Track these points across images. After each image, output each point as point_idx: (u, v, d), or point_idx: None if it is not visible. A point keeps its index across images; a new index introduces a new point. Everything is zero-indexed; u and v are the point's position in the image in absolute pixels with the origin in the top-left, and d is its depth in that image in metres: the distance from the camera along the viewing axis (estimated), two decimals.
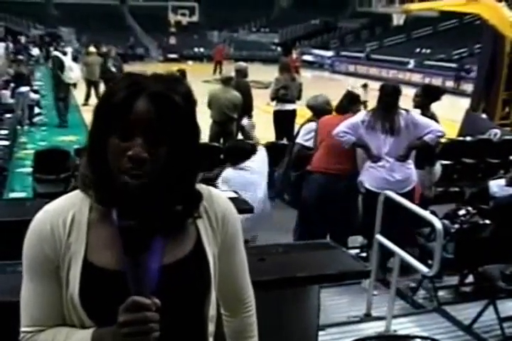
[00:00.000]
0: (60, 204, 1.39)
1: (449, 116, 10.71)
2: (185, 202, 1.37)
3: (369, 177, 4.96)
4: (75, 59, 13.02)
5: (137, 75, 1.34)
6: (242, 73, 9.76)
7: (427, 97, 5.79)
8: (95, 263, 1.33)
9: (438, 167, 5.68)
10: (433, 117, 5.42)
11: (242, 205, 3.97)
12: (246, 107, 9.44)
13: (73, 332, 1.33)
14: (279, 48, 39.17)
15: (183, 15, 38.82)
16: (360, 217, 5.31)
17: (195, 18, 39.07)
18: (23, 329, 1.38)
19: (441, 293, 4.84)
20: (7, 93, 12.65)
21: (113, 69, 13.91)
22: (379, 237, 4.36)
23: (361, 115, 5.03)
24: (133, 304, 1.21)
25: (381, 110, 4.94)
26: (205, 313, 1.44)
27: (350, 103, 5.37)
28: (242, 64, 10.19)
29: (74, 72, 12.68)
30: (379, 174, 4.89)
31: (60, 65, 12.68)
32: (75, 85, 13.40)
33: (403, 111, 4.94)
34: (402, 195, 4.67)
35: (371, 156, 4.94)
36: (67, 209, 1.37)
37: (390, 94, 4.96)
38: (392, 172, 4.87)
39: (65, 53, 12.90)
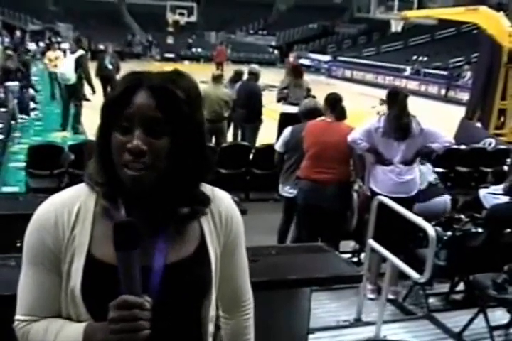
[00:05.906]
0: (65, 196, 1.38)
1: (439, 123, 10.67)
2: (193, 204, 1.37)
3: (379, 182, 4.90)
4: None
5: (139, 71, 1.34)
6: (254, 76, 9.69)
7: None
8: (99, 258, 1.32)
9: (429, 167, 5.51)
10: None
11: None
12: (254, 110, 9.41)
13: (67, 324, 1.32)
14: (276, 51, 39.18)
15: (181, 15, 38.73)
16: (353, 222, 5.32)
17: (193, 18, 39.02)
18: (17, 317, 1.37)
19: (431, 300, 4.85)
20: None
21: (109, 66, 13.79)
22: (371, 242, 4.36)
23: (374, 122, 4.90)
24: (122, 302, 1.20)
25: (396, 117, 4.80)
26: (204, 313, 1.43)
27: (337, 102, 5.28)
28: (256, 67, 10.04)
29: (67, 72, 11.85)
30: (388, 178, 4.85)
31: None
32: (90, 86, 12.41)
33: (414, 118, 4.87)
34: (409, 198, 4.81)
35: (383, 160, 4.89)
36: (73, 201, 1.36)
37: (403, 100, 4.84)
38: (400, 175, 4.84)
39: (65, 51, 12.41)
